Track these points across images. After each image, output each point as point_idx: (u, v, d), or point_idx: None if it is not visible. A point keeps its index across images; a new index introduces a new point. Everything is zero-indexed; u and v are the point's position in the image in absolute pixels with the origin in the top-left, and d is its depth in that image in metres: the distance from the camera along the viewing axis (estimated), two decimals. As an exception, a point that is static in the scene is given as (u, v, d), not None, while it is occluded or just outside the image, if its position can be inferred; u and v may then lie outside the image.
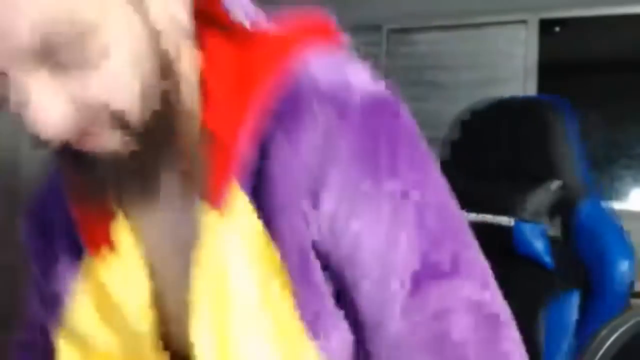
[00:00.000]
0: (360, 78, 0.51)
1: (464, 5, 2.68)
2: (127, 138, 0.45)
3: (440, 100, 2.67)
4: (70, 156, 0.48)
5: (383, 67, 2.84)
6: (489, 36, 2.69)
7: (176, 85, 0.47)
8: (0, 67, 0.40)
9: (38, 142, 0.44)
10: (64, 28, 0.39)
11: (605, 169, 2.48)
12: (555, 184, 1.20)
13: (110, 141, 0.45)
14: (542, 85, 2.53)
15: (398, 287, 0.48)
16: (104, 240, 0.55)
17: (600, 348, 0.58)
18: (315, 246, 0.49)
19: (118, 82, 0.43)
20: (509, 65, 2.63)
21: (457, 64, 2.71)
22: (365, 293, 0.48)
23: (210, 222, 0.47)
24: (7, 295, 1.38)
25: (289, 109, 0.48)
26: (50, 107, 0.42)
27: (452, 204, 0.52)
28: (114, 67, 0.42)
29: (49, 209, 0.62)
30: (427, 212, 0.49)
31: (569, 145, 1.22)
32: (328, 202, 0.47)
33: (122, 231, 0.55)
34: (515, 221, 1.16)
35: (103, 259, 0.55)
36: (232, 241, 0.47)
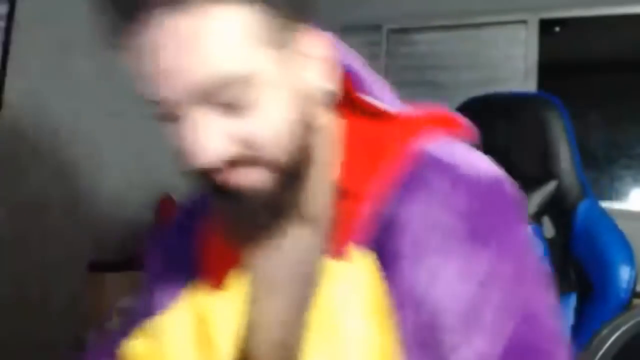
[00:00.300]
0: (480, 162, 0.58)
1: (464, 5, 2.68)
2: (268, 176, 0.53)
3: (440, 100, 2.65)
4: (220, 192, 0.55)
5: (383, 67, 2.84)
6: (489, 36, 2.69)
7: (316, 139, 0.57)
8: (178, 98, 0.49)
9: (188, 168, 0.53)
10: (231, 79, 0.49)
11: (605, 169, 2.48)
12: (552, 185, 1.17)
13: (252, 176, 0.53)
14: (542, 85, 2.52)
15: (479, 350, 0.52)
16: (223, 273, 0.63)
17: (601, 348, 0.58)
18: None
19: (268, 127, 0.51)
20: (509, 65, 2.63)
21: (457, 64, 2.71)
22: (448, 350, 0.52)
23: (332, 269, 0.55)
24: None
25: (413, 179, 0.55)
26: (210, 136, 0.50)
27: (541, 304, 0.55)
28: (266, 114, 0.51)
29: (172, 237, 0.73)
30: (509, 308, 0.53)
31: (566, 145, 1.19)
32: (428, 265, 0.53)
33: (240, 268, 0.63)
34: None
35: (214, 289, 0.63)
36: (349, 291, 0.54)
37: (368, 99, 0.60)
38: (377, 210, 0.55)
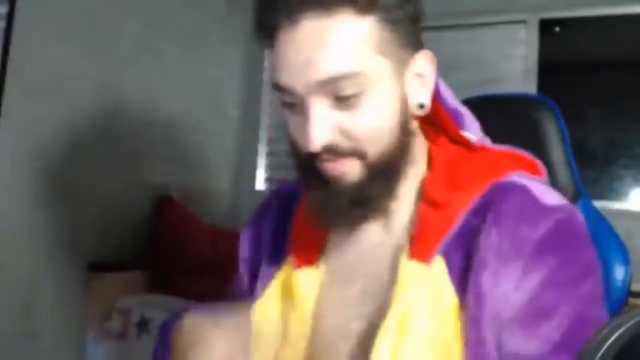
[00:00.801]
0: (556, 195, 0.65)
1: (464, 6, 2.68)
2: (361, 168, 0.61)
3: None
4: (317, 179, 0.63)
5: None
6: (489, 36, 2.68)
7: (409, 142, 0.65)
8: (302, 87, 0.59)
9: (294, 147, 0.63)
10: (349, 79, 0.58)
11: (605, 169, 2.48)
12: None
13: (349, 167, 0.61)
14: (542, 85, 2.52)
15: None
16: (308, 253, 0.71)
17: (601, 348, 0.58)
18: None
19: (369, 122, 0.60)
20: (509, 65, 2.63)
21: (457, 64, 2.71)
22: None
23: (410, 269, 0.61)
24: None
25: (499, 198, 0.62)
26: (321, 123, 0.59)
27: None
28: (370, 111, 0.60)
29: (263, 225, 0.80)
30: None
31: (560, 145, 1.18)
32: (508, 274, 0.59)
33: (324, 249, 0.71)
34: None
35: (300, 266, 0.71)
36: (422, 292, 0.60)
37: (465, 134, 0.69)
38: (460, 222, 0.62)
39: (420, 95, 0.65)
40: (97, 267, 2.22)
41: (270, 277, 0.73)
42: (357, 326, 0.65)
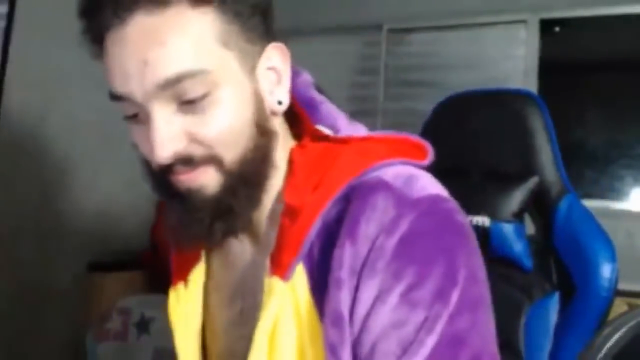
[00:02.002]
0: (427, 188, 0.56)
1: (464, 5, 2.68)
2: (222, 178, 0.56)
3: (440, 100, 2.67)
4: (174, 194, 0.57)
5: (383, 67, 2.84)
6: (489, 36, 2.68)
7: (269, 143, 0.59)
8: (143, 95, 0.53)
9: (146, 162, 0.57)
10: (193, 79, 0.52)
11: (605, 169, 2.48)
12: (533, 181, 1.13)
13: (206, 177, 0.56)
14: (542, 85, 2.52)
15: None
16: (184, 275, 0.68)
17: (602, 348, 0.58)
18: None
19: (220, 123, 0.54)
20: (509, 65, 2.63)
21: (457, 64, 2.71)
22: None
23: (273, 284, 0.56)
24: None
25: (357, 200, 0.55)
26: (166, 131, 0.53)
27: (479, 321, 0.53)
28: (219, 112, 0.54)
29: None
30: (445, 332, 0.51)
31: (546, 141, 1.15)
32: (366, 291, 0.52)
33: (199, 272, 0.68)
34: (492, 221, 1.10)
35: (177, 291, 0.69)
36: (285, 303, 0.56)
37: (319, 126, 0.62)
38: (316, 227, 0.56)
39: (276, 91, 0.60)
40: (97, 267, 2.22)
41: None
42: (240, 347, 0.61)
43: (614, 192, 2.43)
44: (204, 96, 0.53)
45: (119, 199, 2.33)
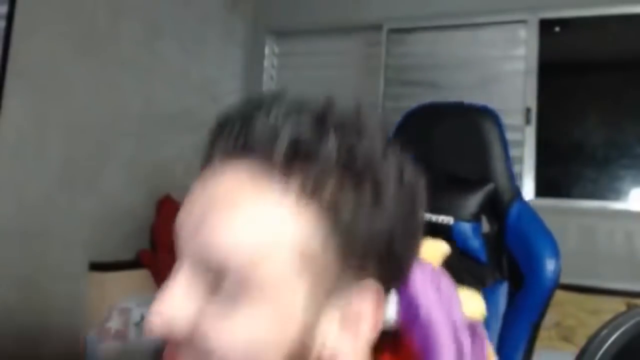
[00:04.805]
0: None
1: (464, 6, 2.68)
2: None
3: (440, 99, 2.67)
4: None
5: (383, 67, 2.84)
6: (488, 36, 2.69)
7: None
8: (185, 250, 0.45)
9: (147, 321, 0.43)
10: (231, 260, 0.41)
11: (605, 169, 2.48)
12: (489, 187, 1.32)
13: None
14: (542, 85, 2.52)
15: None
16: None
17: (600, 348, 0.58)
18: None
19: (234, 336, 0.41)
20: (509, 65, 2.63)
21: (457, 64, 2.71)
22: None
23: None
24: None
25: None
26: (179, 304, 0.43)
27: None
28: (245, 322, 0.41)
29: None
30: None
31: (500, 151, 1.33)
32: None
33: None
34: (455, 221, 1.29)
35: None
36: None
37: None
38: None
39: (339, 338, 0.44)
40: (97, 267, 2.22)
41: None
42: None
43: (613, 192, 2.43)
44: (232, 288, 0.41)
45: (119, 199, 2.33)
